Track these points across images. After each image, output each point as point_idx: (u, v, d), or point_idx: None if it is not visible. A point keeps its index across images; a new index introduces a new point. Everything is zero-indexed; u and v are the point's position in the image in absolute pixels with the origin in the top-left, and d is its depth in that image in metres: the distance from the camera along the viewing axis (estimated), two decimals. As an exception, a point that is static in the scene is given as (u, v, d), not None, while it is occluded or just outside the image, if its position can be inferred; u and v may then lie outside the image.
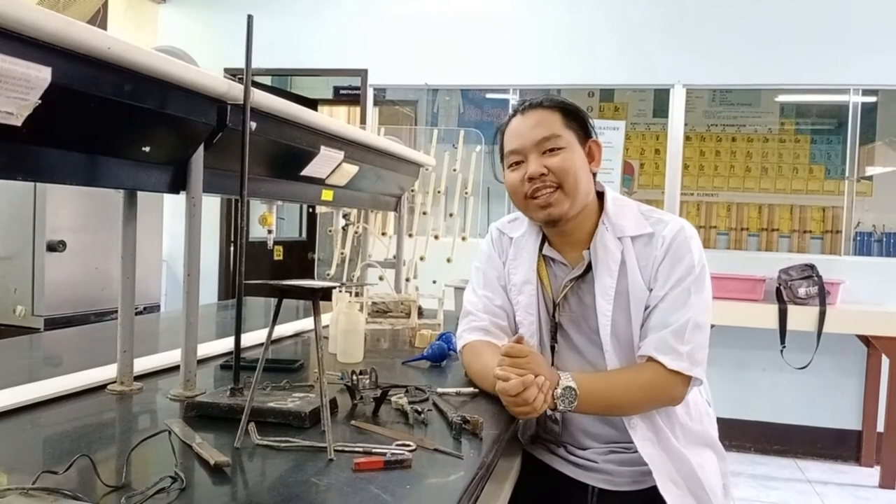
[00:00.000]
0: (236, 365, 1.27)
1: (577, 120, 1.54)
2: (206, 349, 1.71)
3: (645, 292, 1.47)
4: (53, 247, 3.15)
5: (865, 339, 4.03)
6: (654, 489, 1.43)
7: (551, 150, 1.49)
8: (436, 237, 3.06)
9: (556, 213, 1.50)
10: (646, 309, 1.47)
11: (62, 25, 0.95)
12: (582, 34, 4.55)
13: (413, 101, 5.57)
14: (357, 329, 1.77)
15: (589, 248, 1.53)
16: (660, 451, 1.44)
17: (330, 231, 2.80)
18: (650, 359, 1.43)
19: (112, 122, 1.17)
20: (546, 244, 1.60)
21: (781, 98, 5.45)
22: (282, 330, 2.13)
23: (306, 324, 2.27)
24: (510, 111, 1.59)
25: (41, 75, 0.94)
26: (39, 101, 0.95)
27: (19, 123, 0.96)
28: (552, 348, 1.56)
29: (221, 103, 1.34)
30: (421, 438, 1.13)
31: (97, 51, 1.02)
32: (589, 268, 1.52)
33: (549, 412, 1.50)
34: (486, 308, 1.62)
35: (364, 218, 2.77)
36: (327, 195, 2.06)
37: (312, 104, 5.90)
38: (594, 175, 1.57)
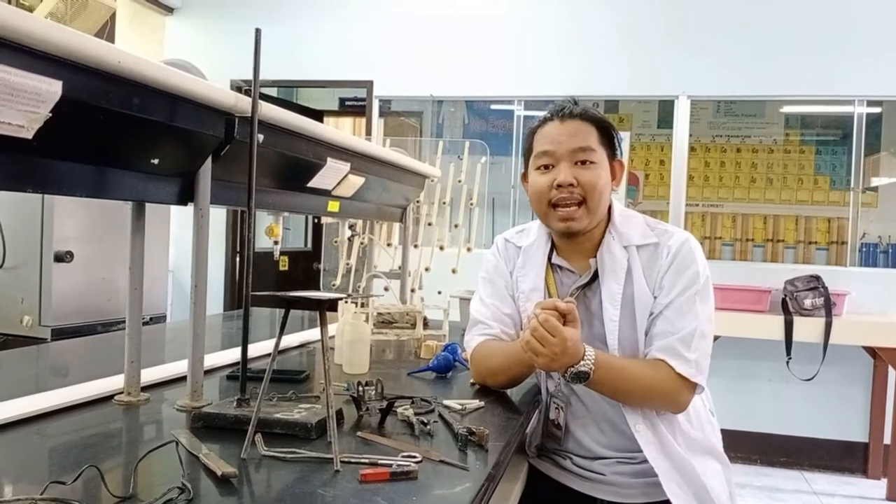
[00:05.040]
0: (243, 376, 1.27)
1: (608, 138, 1.56)
2: (212, 360, 1.71)
3: (650, 299, 1.49)
4: (61, 257, 3.16)
5: (872, 351, 4.02)
6: (666, 503, 1.43)
7: (584, 162, 1.51)
8: (441, 248, 3.06)
9: (576, 228, 1.53)
10: (650, 316, 1.49)
11: (73, 39, 0.96)
12: (587, 45, 4.57)
13: (418, 112, 5.59)
14: (363, 340, 1.78)
15: (595, 257, 1.55)
16: (664, 457, 1.45)
17: (335, 242, 2.80)
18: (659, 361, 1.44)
19: (121, 135, 1.18)
20: (554, 253, 1.61)
21: (786, 109, 5.46)
22: (287, 340, 2.14)
23: (312, 334, 2.27)
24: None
25: (52, 89, 0.95)
26: (50, 114, 0.96)
27: (30, 136, 0.97)
28: None
29: (229, 116, 1.35)
30: (427, 450, 1.13)
31: (108, 64, 1.03)
32: (595, 276, 1.54)
33: (560, 410, 1.53)
34: (495, 316, 1.63)
35: (369, 229, 2.78)
36: (333, 206, 2.06)
37: (318, 115, 5.92)
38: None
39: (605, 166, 1.54)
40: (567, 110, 1.55)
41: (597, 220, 1.54)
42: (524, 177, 1.64)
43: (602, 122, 1.56)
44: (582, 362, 1.37)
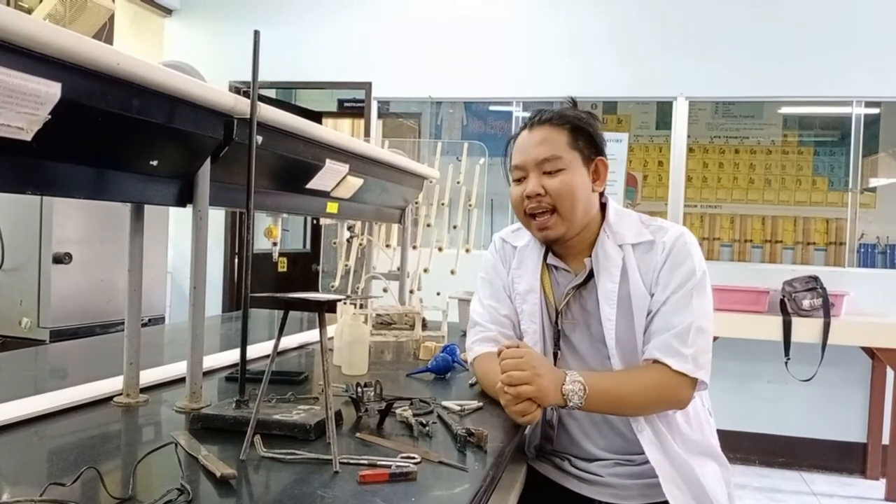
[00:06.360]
0: (242, 377, 1.27)
1: (585, 139, 1.53)
2: (211, 361, 1.71)
3: (647, 297, 1.49)
4: (59, 259, 3.16)
5: (870, 351, 4.03)
6: None
7: (550, 171, 1.50)
8: (440, 249, 3.06)
9: (553, 236, 1.53)
10: (648, 314, 1.48)
11: (72, 41, 0.96)
12: (585, 47, 4.57)
13: (417, 113, 5.59)
14: (362, 341, 1.78)
15: (591, 256, 1.55)
16: (664, 458, 1.45)
17: (334, 243, 2.80)
18: (655, 361, 1.44)
19: (120, 137, 1.18)
20: (550, 253, 1.61)
21: (784, 110, 5.46)
22: (286, 342, 2.14)
23: (310, 336, 2.28)
24: (520, 123, 1.61)
25: (51, 91, 0.95)
26: (49, 116, 0.97)
27: (29, 138, 0.97)
28: (555, 355, 1.57)
29: (228, 117, 1.35)
30: (426, 451, 1.13)
31: (106, 66, 1.03)
32: (591, 275, 1.54)
33: (554, 411, 1.54)
34: (493, 318, 1.63)
35: (368, 230, 2.78)
36: (332, 208, 2.06)
37: (317, 117, 5.92)
38: (601, 192, 1.58)
39: (579, 170, 1.51)
40: (537, 118, 1.54)
41: (576, 225, 1.53)
42: None
43: (576, 122, 1.53)
44: (568, 376, 1.36)
